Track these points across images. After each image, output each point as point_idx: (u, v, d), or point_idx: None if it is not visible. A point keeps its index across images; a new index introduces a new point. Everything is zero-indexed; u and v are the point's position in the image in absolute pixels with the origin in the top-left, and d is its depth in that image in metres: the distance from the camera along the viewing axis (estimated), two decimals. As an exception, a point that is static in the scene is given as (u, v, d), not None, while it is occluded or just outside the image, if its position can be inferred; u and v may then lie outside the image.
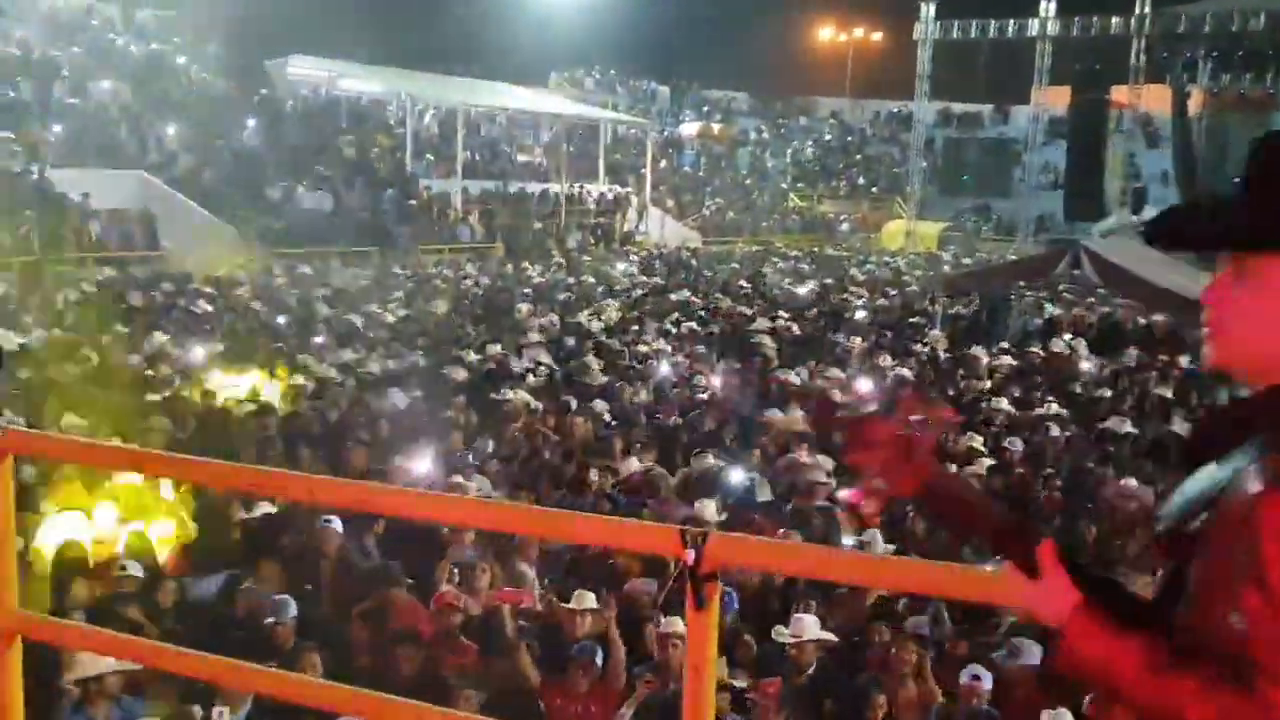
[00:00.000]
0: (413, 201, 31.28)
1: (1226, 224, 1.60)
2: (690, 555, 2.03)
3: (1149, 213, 27.36)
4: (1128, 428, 11.08)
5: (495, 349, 14.39)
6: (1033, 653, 5.35)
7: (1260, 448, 1.48)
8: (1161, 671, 1.47)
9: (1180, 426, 10.72)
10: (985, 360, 14.82)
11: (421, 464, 8.63)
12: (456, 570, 6.54)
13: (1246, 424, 1.55)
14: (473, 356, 13.94)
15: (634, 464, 9.26)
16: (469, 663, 5.87)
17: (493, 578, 6.51)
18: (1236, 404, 1.64)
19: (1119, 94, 33.17)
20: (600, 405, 11.51)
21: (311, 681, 3.06)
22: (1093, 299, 20.07)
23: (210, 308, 17.21)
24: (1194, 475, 1.58)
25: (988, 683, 5.29)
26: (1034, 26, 36.61)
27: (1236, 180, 1.61)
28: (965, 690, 5.27)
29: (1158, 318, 17.82)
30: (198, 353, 13.36)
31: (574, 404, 11.51)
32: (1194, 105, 33.57)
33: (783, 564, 2.47)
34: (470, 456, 9.51)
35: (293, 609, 5.83)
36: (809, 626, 5.51)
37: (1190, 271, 15.06)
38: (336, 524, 6.94)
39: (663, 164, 43.22)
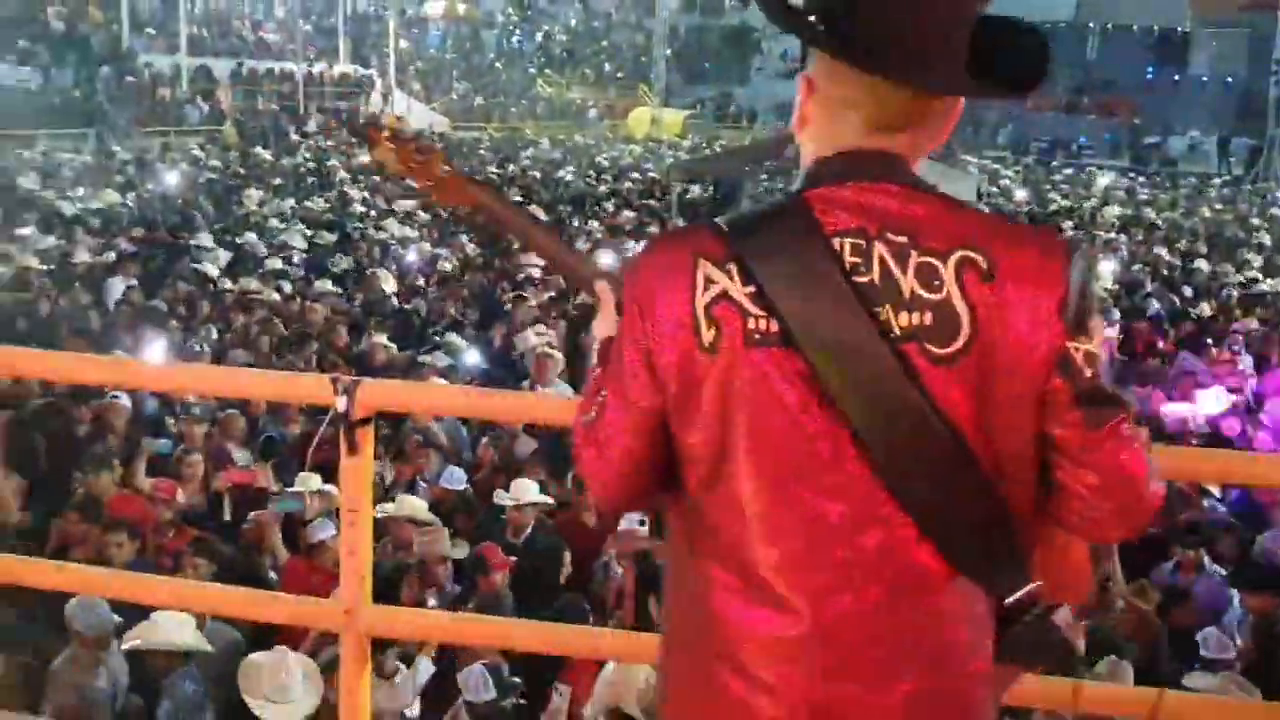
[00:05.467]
0: (131, 79, 28.99)
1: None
2: (342, 401, 2.12)
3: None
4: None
5: (206, 237, 13.81)
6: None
7: None
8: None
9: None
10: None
11: (147, 354, 8.28)
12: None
13: None
14: (206, 243, 13.37)
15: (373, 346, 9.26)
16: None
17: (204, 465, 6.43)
18: None
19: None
20: (337, 289, 11.46)
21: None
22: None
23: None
24: None
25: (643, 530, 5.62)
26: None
27: None
28: (622, 535, 5.60)
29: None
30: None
31: (312, 289, 11.39)
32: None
33: (441, 407, 2.60)
34: (198, 345, 9.19)
35: None
36: (528, 490, 5.72)
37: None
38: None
39: (406, 45, 41.73)
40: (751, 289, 1.40)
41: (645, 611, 4.82)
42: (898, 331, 1.39)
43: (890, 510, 1.41)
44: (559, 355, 8.30)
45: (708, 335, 1.40)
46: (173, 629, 4.40)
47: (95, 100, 27.23)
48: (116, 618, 4.55)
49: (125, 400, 7.27)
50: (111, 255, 12.55)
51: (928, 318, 1.39)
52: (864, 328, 1.38)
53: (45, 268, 11.73)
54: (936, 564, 1.42)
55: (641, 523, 5.69)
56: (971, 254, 1.40)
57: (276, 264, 12.60)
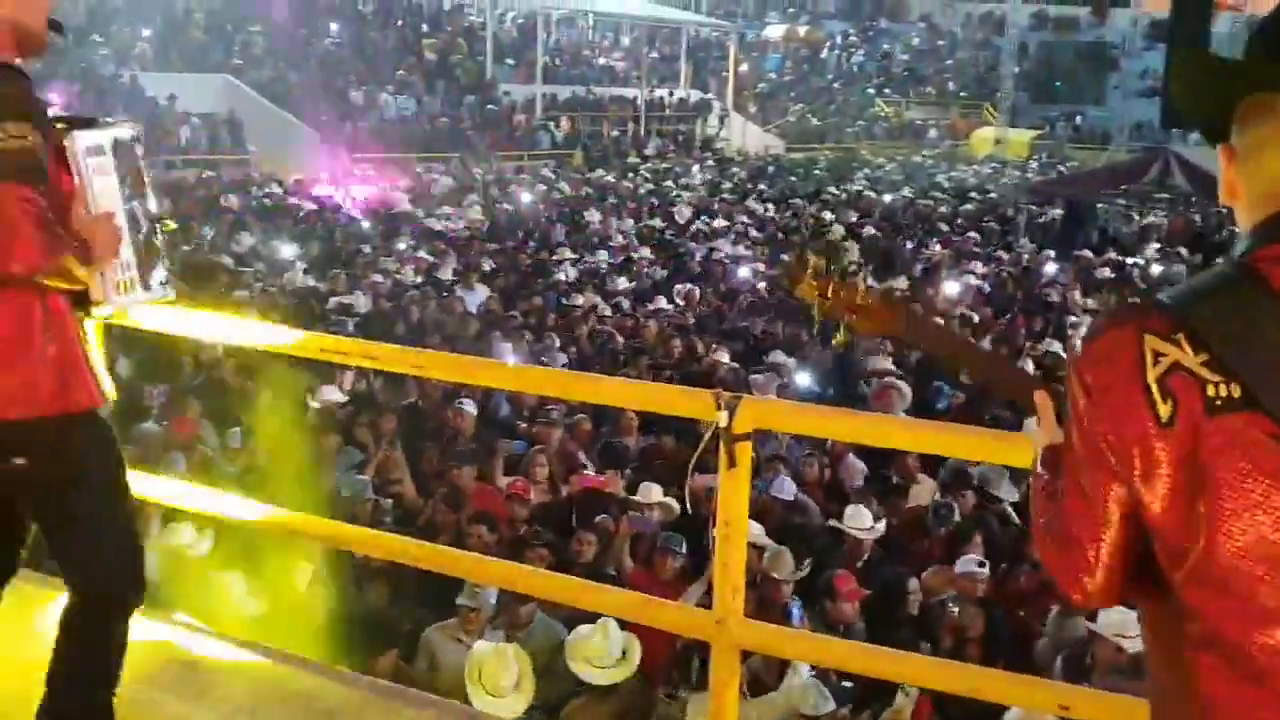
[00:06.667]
0: (492, 106, 31.26)
1: None
2: (723, 417, 2.14)
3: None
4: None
5: (567, 253, 14.63)
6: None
7: None
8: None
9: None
10: (1065, 267, 14.63)
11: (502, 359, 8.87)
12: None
13: None
14: (555, 259, 14.22)
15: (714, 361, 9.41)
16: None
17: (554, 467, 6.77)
18: None
19: (1225, -5, 31.74)
20: (669, 307, 11.79)
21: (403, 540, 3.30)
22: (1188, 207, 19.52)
23: (297, 209, 17.60)
24: None
25: (984, 571, 5.37)
26: (1137, -77, 35.10)
27: None
28: (961, 576, 5.36)
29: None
30: (285, 252, 13.74)
31: (649, 305, 11.79)
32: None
33: (813, 427, 2.57)
34: (544, 355, 9.74)
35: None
36: (865, 518, 5.64)
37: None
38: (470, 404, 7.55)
39: (745, 68, 42.44)
40: (1205, 356, 1.36)
41: (991, 657, 4.61)
42: None
43: None
44: (905, 388, 8.11)
45: (1164, 409, 1.36)
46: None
47: (461, 126, 29.54)
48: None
49: (471, 406, 7.75)
50: (473, 269, 13.57)
51: None
52: None
53: (416, 279, 12.83)
54: None
55: (981, 564, 5.45)
56: None
57: (616, 280, 13.19)
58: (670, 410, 2.54)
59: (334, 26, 31.83)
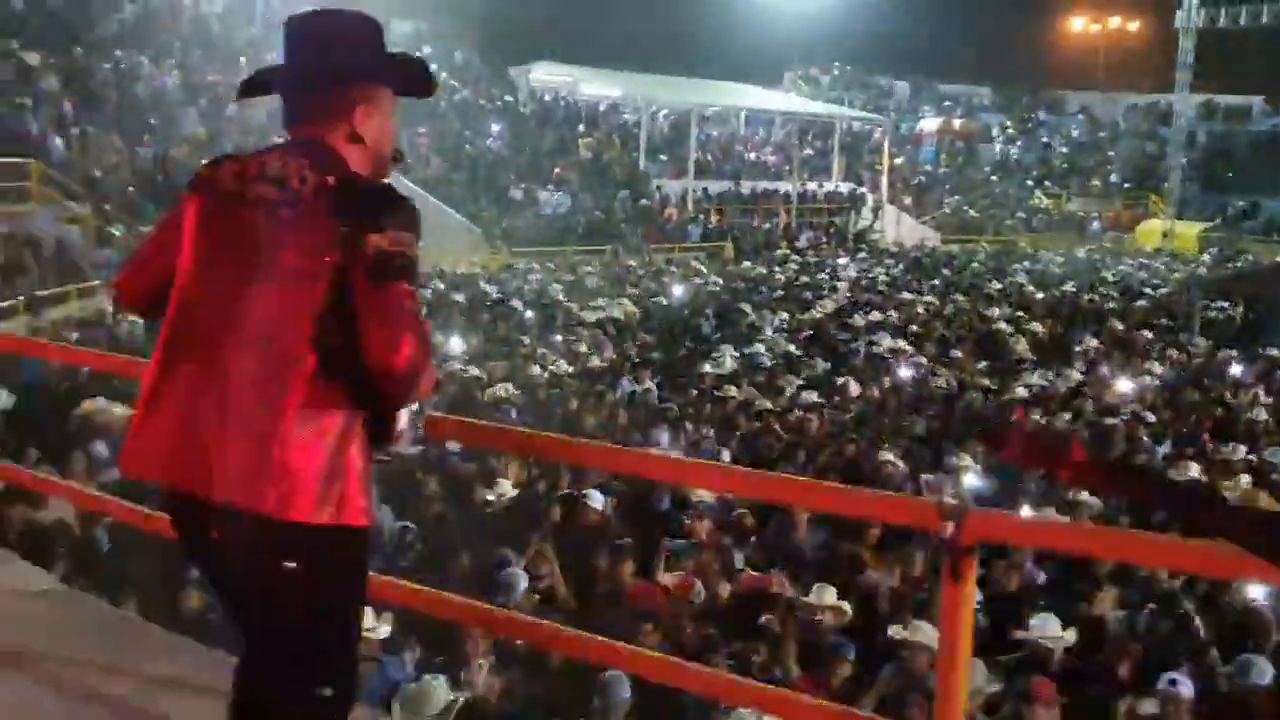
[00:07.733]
0: (645, 201, 31.79)
1: None
2: (949, 528, 1.98)
3: None
4: None
5: (727, 347, 14.57)
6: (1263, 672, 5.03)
7: None
8: None
9: None
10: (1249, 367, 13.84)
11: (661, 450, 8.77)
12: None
13: None
14: (708, 350, 14.20)
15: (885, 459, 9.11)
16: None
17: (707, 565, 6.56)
18: None
19: None
20: (825, 401, 11.57)
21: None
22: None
23: (461, 302, 18.06)
24: None
25: (1187, 690, 4.93)
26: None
27: None
28: (1163, 697, 4.92)
29: None
30: (452, 343, 14.05)
31: (808, 399, 11.58)
32: None
33: (1045, 540, 2.38)
34: (702, 446, 9.62)
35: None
36: (1055, 627, 5.29)
37: None
38: (597, 498, 7.29)
39: (899, 161, 42.22)
40: None
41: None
42: None
43: None
44: (1094, 501, 7.64)
45: None
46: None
47: (614, 220, 30.13)
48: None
49: (599, 499, 7.57)
50: (627, 359, 13.63)
51: None
52: None
53: (570, 369, 12.94)
54: None
55: (1173, 683, 5.04)
56: None
57: (772, 373, 13.05)
58: (891, 520, 2.39)
59: (495, 127, 33.03)
